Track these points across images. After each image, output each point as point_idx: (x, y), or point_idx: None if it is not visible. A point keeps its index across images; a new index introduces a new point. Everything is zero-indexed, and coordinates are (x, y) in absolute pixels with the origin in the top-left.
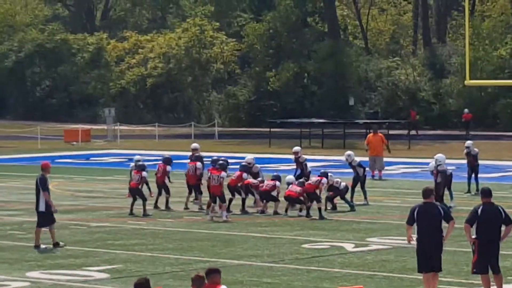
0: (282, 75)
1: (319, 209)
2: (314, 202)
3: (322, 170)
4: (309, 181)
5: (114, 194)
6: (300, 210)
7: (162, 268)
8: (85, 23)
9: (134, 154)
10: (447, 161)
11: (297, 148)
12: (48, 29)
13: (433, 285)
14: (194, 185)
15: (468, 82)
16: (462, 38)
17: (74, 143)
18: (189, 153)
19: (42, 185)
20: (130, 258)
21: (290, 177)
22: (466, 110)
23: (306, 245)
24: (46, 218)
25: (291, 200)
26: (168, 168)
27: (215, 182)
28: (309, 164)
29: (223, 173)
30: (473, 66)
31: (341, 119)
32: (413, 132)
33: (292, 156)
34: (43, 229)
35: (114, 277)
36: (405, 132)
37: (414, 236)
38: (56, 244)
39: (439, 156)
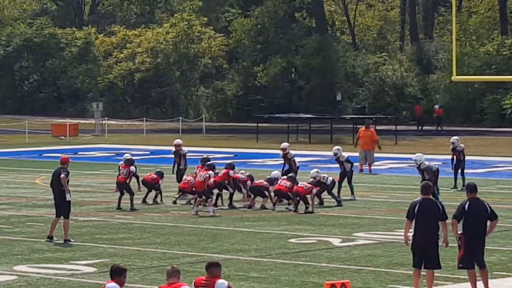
0: (269, 70)
1: (306, 207)
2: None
3: (313, 178)
4: (302, 185)
5: (102, 188)
6: (288, 204)
7: (149, 262)
8: (73, 18)
9: (122, 149)
10: (434, 156)
11: (285, 144)
12: (36, 23)
13: (429, 282)
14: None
15: (455, 78)
16: (449, 34)
17: (62, 137)
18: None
19: (62, 172)
20: (118, 252)
21: (276, 172)
22: (436, 106)
23: (293, 240)
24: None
25: (281, 194)
26: (160, 181)
27: (200, 179)
28: (297, 160)
29: (211, 172)
30: (460, 62)
31: (328, 114)
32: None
33: (280, 152)
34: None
35: (101, 271)
36: (392, 127)
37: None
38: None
39: (417, 156)
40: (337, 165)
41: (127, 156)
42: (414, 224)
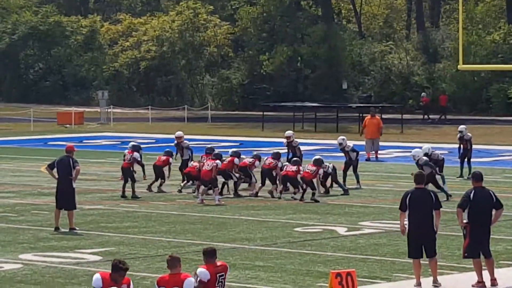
0: (275, 59)
1: (313, 193)
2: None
3: (316, 157)
4: (307, 169)
5: (107, 176)
6: (294, 193)
7: (154, 251)
8: (78, 6)
9: (127, 137)
10: (440, 145)
11: (289, 132)
12: (42, 11)
13: (433, 271)
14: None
15: (461, 66)
16: (456, 23)
17: (67, 125)
18: (186, 136)
19: (75, 163)
20: (123, 241)
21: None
22: (423, 94)
23: (298, 229)
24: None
25: (289, 180)
26: (170, 160)
27: (207, 168)
28: (302, 148)
29: (218, 162)
30: (466, 50)
31: (334, 103)
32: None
33: (284, 140)
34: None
35: (106, 259)
36: (398, 116)
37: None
38: (72, 229)
39: (414, 151)
40: (343, 154)
41: (134, 142)
42: (408, 214)
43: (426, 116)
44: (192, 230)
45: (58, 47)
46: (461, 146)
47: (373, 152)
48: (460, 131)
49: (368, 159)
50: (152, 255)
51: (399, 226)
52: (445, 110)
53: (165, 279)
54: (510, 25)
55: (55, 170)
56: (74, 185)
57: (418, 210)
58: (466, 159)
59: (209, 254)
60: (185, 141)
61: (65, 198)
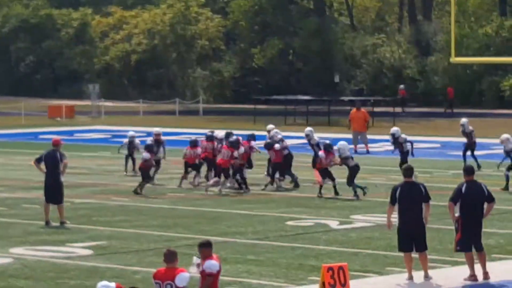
0: (267, 52)
1: (334, 187)
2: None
3: (326, 142)
4: (321, 159)
5: (99, 170)
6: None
7: (146, 245)
8: None
9: (119, 131)
10: (434, 138)
11: (308, 129)
12: (33, 4)
13: (424, 264)
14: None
15: (454, 59)
16: (448, 15)
17: (58, 119)
18: (174, 130)
19: (62, 157)
20: (114, 235)
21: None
22: (401, 86)
23: (290, 222)
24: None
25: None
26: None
27: (225, 157)
28: (294, 141)
29: (236, 153)
30: (458, 43)
31: (326, 96)
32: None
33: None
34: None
35: (98, 253)
36: (390, 109)
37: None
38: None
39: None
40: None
41: (148, 141)
42: (398, 208)
43: (402, 110)
44: (184, 224)
45: (49, 40)
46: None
47: (363, 145)
48: (462, 125)
49: (355, 151)
50: (144, 249)
51: (391, 219)
52: (452, 103)
53: (160, 273)
54: (503, 18)
55: (43, 164)
56: (63, 178)
57: (407, 203)
58: (470, 152)
59: (207, 246)
60: (162, 138)
61: (53, 192)
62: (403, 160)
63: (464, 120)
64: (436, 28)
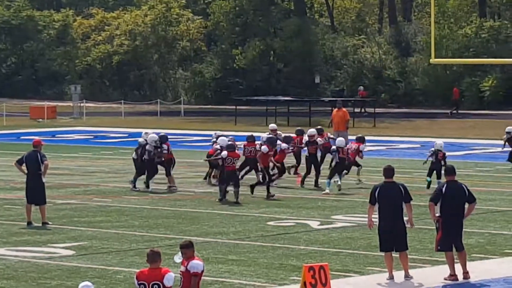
0: (248, 53)
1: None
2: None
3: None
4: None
5: (80, 171)
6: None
7: (127, 245)
8: (51, 0)
9: (100, 131)
10: (413, 139)
11: (312, 131)
12: (14, 5)
13: (404, 264)
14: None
15: (433, 60)
16: (428, 17)
17: (40, 120)
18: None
19: (43, 158)
20: (96, 235)
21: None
22: (361, 88)
23: (271, 223)
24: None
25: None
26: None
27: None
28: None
29: (284, 145)
30: (438, 44)
31: (307, 97)
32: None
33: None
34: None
35: (79, 254)
36: (371, 110)
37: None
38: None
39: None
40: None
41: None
42: (378, 208)
43: (363, 110)
44: (165, 224)
45: (31, 42)
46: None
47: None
48: (508, 132)
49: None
50: (125, 249)
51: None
52: (458, 104)
53: (144, 274)
54: (482, 19)
55: (24, 165)
56: (44, 179)
57: (387, 203)
58: None
59: (189, 247)
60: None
61: (35, 193)
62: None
63: (510, 128)
64: (416, 29)
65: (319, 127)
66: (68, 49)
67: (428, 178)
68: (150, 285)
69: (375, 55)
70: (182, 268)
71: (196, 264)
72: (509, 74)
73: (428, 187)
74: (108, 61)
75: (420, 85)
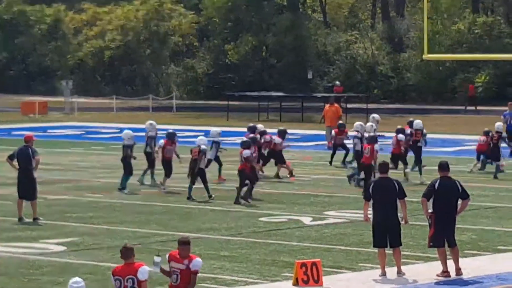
0: (240, 48)
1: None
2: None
3: (370, 135)
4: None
5: (72, 167)
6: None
7: (119, 241)
8: None
9: (92, 127)
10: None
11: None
12: (6, 0)
13: (397, 260)
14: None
15: (426, 56)
16: (421, 12)
17: (31, 115)
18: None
19: (34, 153)
20: (87, 231)
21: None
22: (337, 83)
23: (263, 219)
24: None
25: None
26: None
27: None
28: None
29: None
30: (431, 40)
31: (299, 92)
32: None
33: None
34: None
35: (71, 249)
36: (364, 106)
37: (370, 213)
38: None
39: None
40: (309, 143)
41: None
42: (373, 204)
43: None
44: (157, 220)
45: (22, 36)
46: None
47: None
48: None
49: (329, 147)
50: (117, 245)
51: (364, 215)
52: (475, 100)
53: (119, 269)
54: (475, 14)
55: (15, 160)
56: (35, 175)
57: (381, 199)
58: None
59: (187, 244)
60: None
61: (26, 188)
62: None
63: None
64: (409, 25)
65: (340, 122)
66: (59, 44)
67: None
68: (125, 280)
69: (367, 50)
70: (181, 266)
71: (199, 262)
72: (502, 70)
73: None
74: (100, 56)
75: (413, 81)
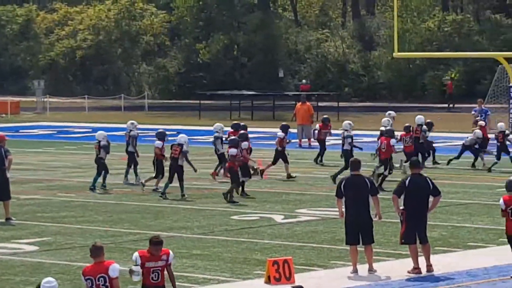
0: (212, 47)
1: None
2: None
3: (387, 128)
4: (382, 149)
5: (44, 166)
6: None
7: (92, 240)
8: None
9: (64, 127)
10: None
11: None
12: None
13: (369, 257)
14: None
15: (397, 54)
16: (391, 10)
17: (3, 115)
18: (122, 125)
19: (7, 153)
20: (60, 231)
21: None
22: (303, 81)
23: (235, 217)
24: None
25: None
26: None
27: None
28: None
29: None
30: (401, 38)
31: (270, 91)
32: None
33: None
34: None
35: (43, 249)
36: (335, 104)
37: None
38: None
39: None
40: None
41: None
42: (345, 201)
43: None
44: (130, 219)
45: None
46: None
47: (306, 139)
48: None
49: (300, 146)
50: (89, 245)
51: (335, 213)
52: (453, 98)
53: (89, 269)
54: (445, 12)
55: None
56: (9, 175)
57: (353, 196)
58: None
59: (161, 244)
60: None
61: (0, 188)
62: None
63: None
64: (379, 23)
65: (325, 116)
66: (31, 44)
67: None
68: (97, 279)
69: (338, 49)
70: (161, 263)
71: (173, 254)
72: (471, 68)
73: None
74: (72, 56)
75: (383, 79)
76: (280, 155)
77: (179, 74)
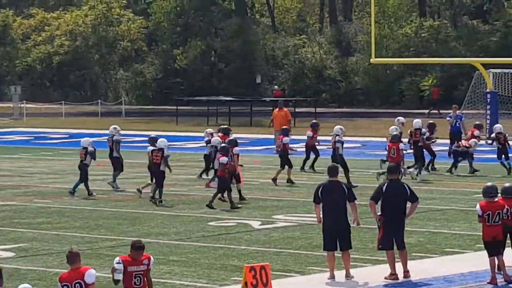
0: (189, 53)
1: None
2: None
3: (394, 133)
4: (392, 155)
5: (20, 172)
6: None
7: (68, 247)
8: None
9: (41, 132)
10: (354, 138)
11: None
12: None
13: (346, 263)
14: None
15: (374, 60)
16: (368, 16)
17: None
18: (96, 132)
19: None
20: (36, 237)
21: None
22: (275, 87)
23: (212, 223)
24: None
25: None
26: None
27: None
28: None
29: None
30: (378, 44)
31: (248, 97)
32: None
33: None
34: None
35: (19, 255)
36: (312, 110)
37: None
38: None
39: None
40: (259, 147)
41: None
42: (322, 207)
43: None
44: (106, 225)
45: None
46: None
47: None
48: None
49: (277, 152)
50: (66, 251)
51: (312, 219)
52: (436, 104)
53: (66, 275)
54: (422, 18)
55: None
56: None
57: (331, 202)
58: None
59: (143, 249)
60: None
61: None
62: None
63: (498, 125)
64: (357, 29)
65: (314, 121)
66: (8, 50)
67: None
68: (73, 285)
69: (316, 55)
70: (142, 267)
71: (153, 259)
72: (448, 73)
73: None
74: (49, 61)
75: (361, 85)
76: (285, 159)
77: (156, 80)
